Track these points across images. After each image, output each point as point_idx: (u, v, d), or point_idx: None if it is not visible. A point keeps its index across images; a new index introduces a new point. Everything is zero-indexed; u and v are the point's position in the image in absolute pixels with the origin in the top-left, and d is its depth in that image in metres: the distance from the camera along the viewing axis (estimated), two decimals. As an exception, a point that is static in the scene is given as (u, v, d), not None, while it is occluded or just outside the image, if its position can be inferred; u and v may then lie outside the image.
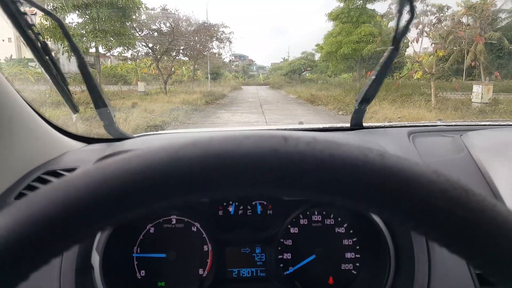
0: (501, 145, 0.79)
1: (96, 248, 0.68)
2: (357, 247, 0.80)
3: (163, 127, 7.94)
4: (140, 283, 0.77)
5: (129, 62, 21.21)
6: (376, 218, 0.73)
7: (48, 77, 0.84)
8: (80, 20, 11.08)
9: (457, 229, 0.21)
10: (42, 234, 0.20)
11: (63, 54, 11.24)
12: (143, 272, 0.77)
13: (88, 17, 10.84)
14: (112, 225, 0.22)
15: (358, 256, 0.80)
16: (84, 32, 10.85)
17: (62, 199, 0.20)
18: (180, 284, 0.78)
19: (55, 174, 0.78)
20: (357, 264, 0.80)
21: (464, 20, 11.40)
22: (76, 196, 0.21)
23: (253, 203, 0.83)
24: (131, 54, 17.09)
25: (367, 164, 0.21)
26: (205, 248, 0.79)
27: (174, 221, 0.80)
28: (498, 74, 11.42)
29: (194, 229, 0.79)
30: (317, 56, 28.14)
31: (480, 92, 11.15)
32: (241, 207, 0.83)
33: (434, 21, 10.31)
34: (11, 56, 17.07)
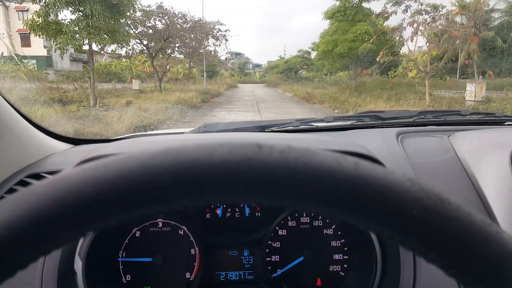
0: (487, 146, 0.80)
1: (79, 253, 0.67)
2: (345, 249, 0.81)
3: (157, 126, 7.89)
4: (125, 287, 0.76)
5: (124, 60, 21.06)
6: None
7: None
8: (73, 17, 10.95)
9: (432, 239, 0.21)
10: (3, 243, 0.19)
11: (55, 51, 11.09)
12: (128, 277, 0.76)
13: (81, 13, 10.70)
14: (76, 237, 0.22)
15: (346, 257, 0.80)
16: (77, 29, 10.71)
17: (22, 210, 0.20)
18: None
19: (38, 177, 0.77)
20: (345, 266, 0.80)
21: (458, 19, 11.48)
22: (37, 207, 0.20)
23: (241, 205, 0.82)
24: (126, 52, 16.97)
25: (340, 173, 0.21)
26: (192, 251, 0.78)
27: (160, 225, 0.79)
28: (491, 72, 11.51)
29: (181, 232, 0.78)
30: (313, 55, 28.16)
31: (473, 90, 11.26)
32: (229, 210, 0.82)
33: (428, 20, 10.35)
34: (2, 53, 16.80)
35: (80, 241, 0.68)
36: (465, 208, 0.22)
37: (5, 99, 0.78)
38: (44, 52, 24.56)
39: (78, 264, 0.67)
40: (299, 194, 0.21)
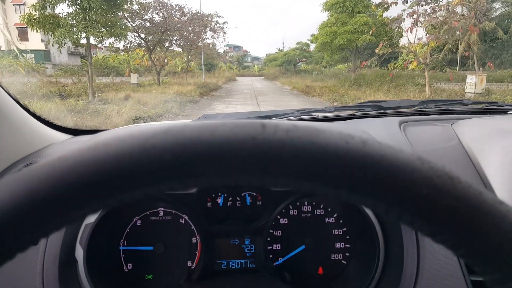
0: (492, 133, 0.79)
1: (80, 242, 0.67)
2: (347, 237, 0.80)
3: (156, 119, 7.87)
4: (127, 276, 0.76)
5: (122, 53, 20.90)
6: (366, 208, 0.73)
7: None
8: (70, 10, 10.82)
9: (441, 218, 0.21)
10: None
11: (53, 45, 11.00)
12: (130, 265, 0.76)
13: (78, 7, 10.58)
14: (75, 219, 0.21)
15: (348, 246, 0.80)
16: (74, 23, 10.60)
17: (19, 191, 0.19)
18: (168, 277, 0.77)
19: None
20: (347, 254, 0.80)
21: (458, 10, 11.37)
22: (36, 187, 0.19)
23: (243, 194, 0.82)
24: (124, 45, 16.85)
25: (348, 151, 0.20)
26: (194, 240, 0.78)
27: (161, 214, 0.78)
28: (491, 64, 11.44)
29: (182, 221, 0.78)
30: (312, 47, 27.98)
31: (474, 82, 11.22)
32: (230, 199, 0.81)
33: (429, 11, 10.25)
34: (0, 47, 16.68)
35: (81, 229, 0.68)
36: (476, 187, 0.21)
37: (4, 89, 0.78)
38: (41, 46, 24.36)
39: (79, 253, 0.67)
40: (305, 173, 0.21)
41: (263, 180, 0.21)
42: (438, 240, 0.22)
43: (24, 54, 16.53)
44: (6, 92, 0.79)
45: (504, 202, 0.21)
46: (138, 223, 0.77)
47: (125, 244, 0.77)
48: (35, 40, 23.55)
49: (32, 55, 20.52)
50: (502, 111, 1.13)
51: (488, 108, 1.15)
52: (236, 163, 0.20)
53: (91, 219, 0.68)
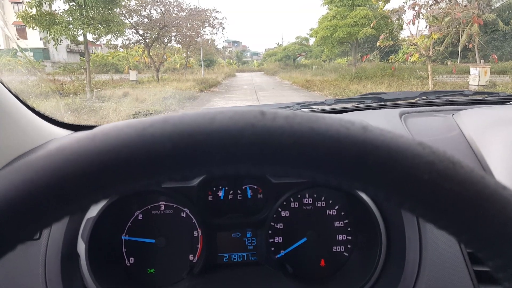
0: (493, 123, 0.79)
1: (82, 236, 0.67)
2: (349, 229, 0.80)
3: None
4: (129, 270, 0.76)
5: (121, 50, 20.76)
6: (367, 199, 0.73)
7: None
8: (67, 7, 10.67)
9: (444, 203, 0.20)
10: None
11: (49, 42, 10.87)
12: (132, 259, 0.76)
13: (74, 3, 10.44)
14: (72, 211, 0.21)
15: (350, 238, 0.80)
16: (70, 20, 10.45)
17: (17, 183, 0.19)
18: (170, 271, 0.77)
19: None
20: (349, 246, 0.80)
21: (460, 0, 11.18)
22: (33, 179, 0.19)
23: (243, 187, 0.82)
24: (122, 42, 16.72)
25: (349, 137, 0.20)
26: (195, 233, 0.78)
27: (162, 207, 0.78)
28: (495, 56, 11.26)
29: (184, 214, 0.78)
30: (312, 41, 27.75)
31: (477, 74, 11.06)
32: (231, 192, 0.81)
33: (431, 2, 10.07)
34: (-2, 45, 16.54)
35: (83, 223, 0.68)
36: (478, 171, 0.21)
37: (4, 85, 0.77)
38: (40, 44, 24.21)
39: (81, 247, 0.67)
40: (306, 161, 0.20)
41: (263, 168, 0.21)
42: (441, 226, 0.21)
43: (25, 52, 16.42)
44: (7, 88, 0.78)
45: (507, 187, 0.21)
46: (140, 217, 0.77)
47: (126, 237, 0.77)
48: (34, 38, 23.42)
49: (31, 53, 20.39)
50: (503, 102, 1.12)
51: (489, 98, 1.14)
52: (235, 151, 0.20)
53: (93, 213, 0.68)
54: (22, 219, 0.19)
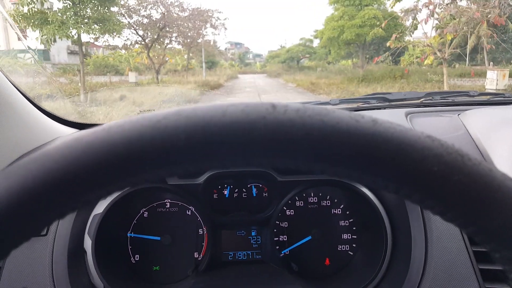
0: (499, 122, 0.80)
1: (88, 232, 0.70)
2: (354, 228, 0.83)
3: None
4: (134, 267, 0.79)
5: (123, 52, 20.26)
6: (373, 197, 0.76)
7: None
8: (60, 6, 10.18)
9: (452, 195, 0.20)
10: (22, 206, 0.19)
11: (41, 43, 10.34)
12: (137, 257, 0.79)
13: (68, 1, 9.93)
14: (87, 203, 0.21)
15: (355, 237, 0.83)
16: (64, 18, 9.93)
17: (36, 173, 0.19)
18: (175, 268, 0.80)
19: None
20: (354, 245, 0.82)
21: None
22: (50, 169, 0.19)
23: (249, 185, 0.86)
24: (124, 43, 16.26)
25: (358, 129, 0.20)
26: (200, 231, 0.82)
27: (168, 205, 0.82)
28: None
29: (189, 212, 0.82)
30: (316, 43, 27.21)
31: (495, 78, 10.44)
32: (236, 190, 0.85)
33: (447, 1, 9.43)
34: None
35: (90, 220, 0.71)
36: (486, 164, 0.21)
37: (13, 84, 0.79)
38: (41, 45, 23.78)
39: (88, 243, 0.69)
40: (316, 153, 0.20)
41: (274, 160, 0.21)
42: (449, 218, 0.21)
43: (26, 53, 16.00)
44: (15, 86, 0.80)
45: None
46: (145, 214, 0.81)
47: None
48: (34, 39, 22.95)
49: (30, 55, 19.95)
50: (509, 102, 1.13)
51: (495, 99, 1.17)
52: (247, 144, 0.20)
53: (100, 209, 0.71)
54: (41, 208, 0.19)
